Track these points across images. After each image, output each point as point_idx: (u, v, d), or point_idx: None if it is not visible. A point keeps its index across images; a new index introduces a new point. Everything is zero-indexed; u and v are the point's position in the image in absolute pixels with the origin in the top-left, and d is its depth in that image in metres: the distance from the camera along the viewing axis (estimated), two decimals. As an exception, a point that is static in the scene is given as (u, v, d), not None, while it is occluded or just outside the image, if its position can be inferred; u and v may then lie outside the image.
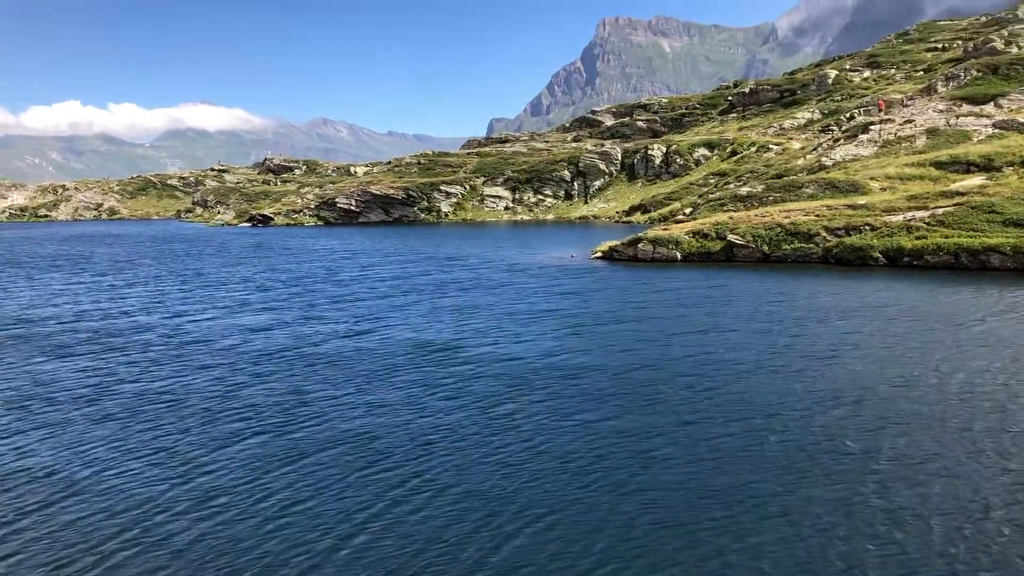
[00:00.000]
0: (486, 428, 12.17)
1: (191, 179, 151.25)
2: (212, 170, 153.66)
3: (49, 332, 21.37)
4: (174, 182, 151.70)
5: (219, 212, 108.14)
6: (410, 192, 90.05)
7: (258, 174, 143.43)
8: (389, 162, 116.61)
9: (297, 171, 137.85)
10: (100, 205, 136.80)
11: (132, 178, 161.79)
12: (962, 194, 33.89)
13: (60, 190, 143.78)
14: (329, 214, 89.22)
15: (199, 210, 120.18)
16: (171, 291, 30.30)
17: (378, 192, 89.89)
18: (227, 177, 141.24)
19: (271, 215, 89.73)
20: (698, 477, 9.90)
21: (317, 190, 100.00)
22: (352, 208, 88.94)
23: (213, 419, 13.02)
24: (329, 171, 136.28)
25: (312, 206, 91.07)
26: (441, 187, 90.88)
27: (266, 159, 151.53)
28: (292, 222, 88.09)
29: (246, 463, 10.83)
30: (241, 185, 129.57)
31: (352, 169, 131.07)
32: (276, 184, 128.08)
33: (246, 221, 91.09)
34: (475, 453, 11.00)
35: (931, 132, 51.75)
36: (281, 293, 29.04)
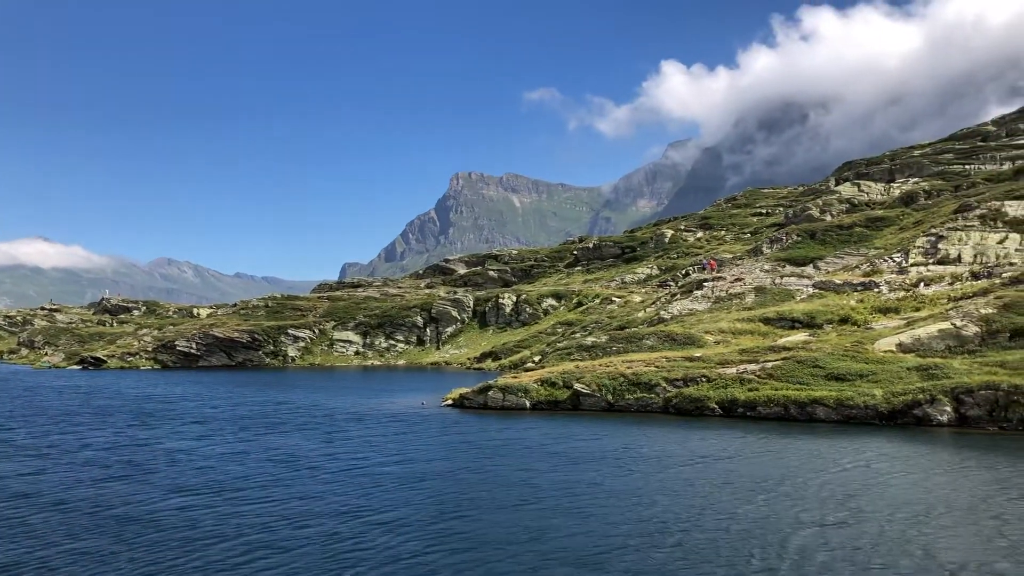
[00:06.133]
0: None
1: (18, 318, 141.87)
2: (43, 309, 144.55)
3: None
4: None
5: (47, 354, 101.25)
6: (255, 335, 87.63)
7: (93, 314, 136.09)
8: (235, 304, 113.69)
9: (136, 312, 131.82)
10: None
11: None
12: (788, 349, 36.30)
13: None
14: (168, 357, 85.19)
15: (24, 351, 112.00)
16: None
17: (221, 335, 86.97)
18: (59, 317, 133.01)
19: (104, 357, 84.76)
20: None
21: (156, 332, 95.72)
22: (192, 351, 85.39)
23: None
24: (170, 312, 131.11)
25: (149, 348, 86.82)
26: (289, 331, 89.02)
27: (103, 299, 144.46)
28: (127, 365, 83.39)
29: None
30: (74, 325, 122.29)
31: (195, 311, 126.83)
32: (113, 325, 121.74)
33: (76, 364, 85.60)
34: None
35: (759, 290, 55.73)
36: (62, 439, 27.30)
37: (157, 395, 46.51)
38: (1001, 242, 51.81)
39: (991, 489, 17.48)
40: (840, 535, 13.99)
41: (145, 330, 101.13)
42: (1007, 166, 74.69)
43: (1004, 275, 43.52)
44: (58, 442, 26.18)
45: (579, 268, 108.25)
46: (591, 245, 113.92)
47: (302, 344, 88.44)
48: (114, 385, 56.25)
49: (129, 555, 13.29)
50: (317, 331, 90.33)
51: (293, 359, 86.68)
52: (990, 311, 34.57)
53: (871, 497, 16.80)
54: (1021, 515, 15.27)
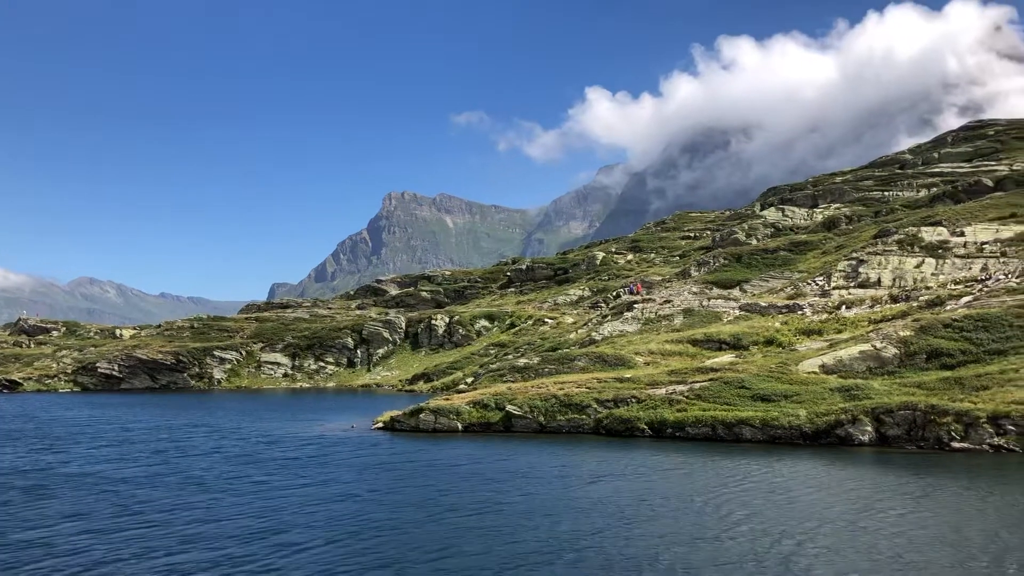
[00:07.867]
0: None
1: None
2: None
3: None
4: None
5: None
6: (180, 357, 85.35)
7: (9, 335, 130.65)
8: (160, 325, 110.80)
9: (55, 333, 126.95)
10: None
11: None
12: (716, 370, 36.84)
13: None
14: (88, 379, 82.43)
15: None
16: None
17: (144, 357, 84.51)
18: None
19: (20, 380, 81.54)
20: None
21: (76, 353, 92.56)
22: (115, 373, 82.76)
23: None
24: (92, 333, 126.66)
25: (69, 371, 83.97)
26: (215, 352, 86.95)
27: (20, 319, 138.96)
28: (45, 388, 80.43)
29: None
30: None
31: (118, 332, 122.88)
32: (30, 346, 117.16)
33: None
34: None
35: (687, 312, 56.56)
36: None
37: (72, 418, 44.86)
38: (918, 266, 53.65)
39: (872, 503, 18.33)
40: (713, 551, 14.60)
41: (65, 351, 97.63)
42: (923, 193, 77.59)
43: (921, 298, 45.05)
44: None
45: (512, 289, 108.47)
46: (524, 267, 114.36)
47: (229, 366, 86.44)
48: (28, 408, 54.10)
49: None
50: (244, 353, 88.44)
51: (219, 381, 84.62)
52: (908, 333, 35.69)
53: (759, 515, 17.39)
54: (889, 529, 16.04)
